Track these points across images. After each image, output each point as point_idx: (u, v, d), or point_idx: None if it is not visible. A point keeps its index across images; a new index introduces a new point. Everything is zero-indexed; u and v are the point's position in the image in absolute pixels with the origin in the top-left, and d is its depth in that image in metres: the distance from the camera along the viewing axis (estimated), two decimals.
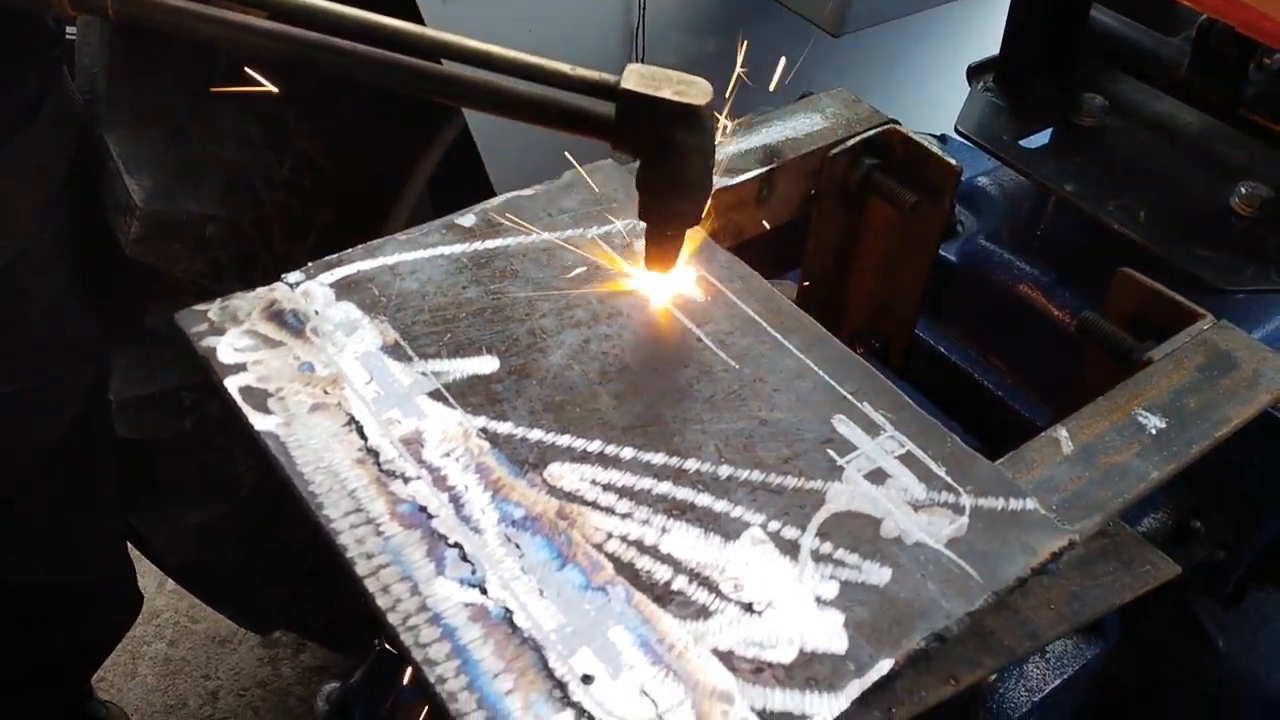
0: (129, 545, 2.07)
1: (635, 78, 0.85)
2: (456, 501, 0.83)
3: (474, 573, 0.79)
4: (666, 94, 0.84)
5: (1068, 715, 1.31)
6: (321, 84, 1.67)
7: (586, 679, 0.74)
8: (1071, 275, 1.24)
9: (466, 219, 1.06)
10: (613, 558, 0.81)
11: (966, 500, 0.87)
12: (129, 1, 0.83)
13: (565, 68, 0.85)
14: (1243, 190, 1.19)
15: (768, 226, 1.26)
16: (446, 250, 1.03)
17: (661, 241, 0.95)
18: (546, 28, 1.61)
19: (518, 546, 0.81)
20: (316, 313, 0.96)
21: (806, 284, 1.36)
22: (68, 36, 1.57)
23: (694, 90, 0.85)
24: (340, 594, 2.37)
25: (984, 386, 1.30)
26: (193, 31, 0.84)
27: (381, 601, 0.77)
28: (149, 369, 1.80)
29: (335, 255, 1.01)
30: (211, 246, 1.71)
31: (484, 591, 0.78)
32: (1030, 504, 0.87)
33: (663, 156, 0.87)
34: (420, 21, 1.50)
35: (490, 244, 1.04)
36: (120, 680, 2.72)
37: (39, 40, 1.37)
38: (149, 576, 2.26)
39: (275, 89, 1.08)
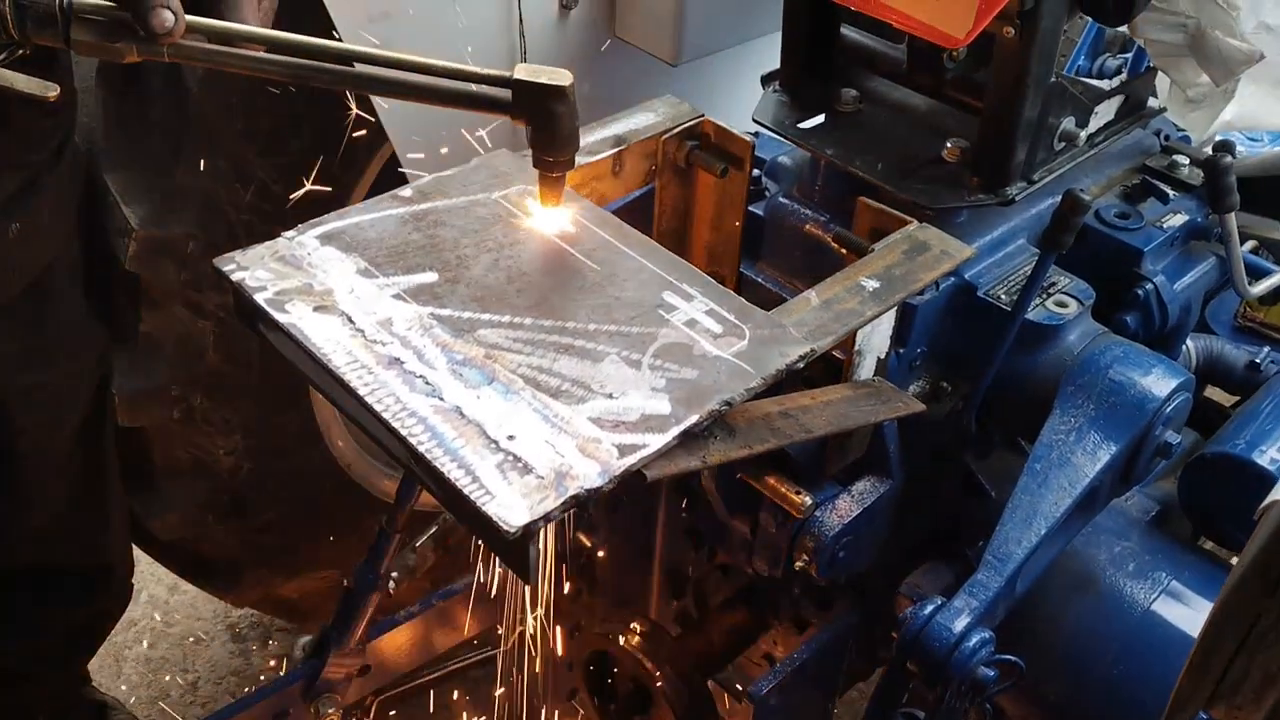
0: None
1: (522, 71, 1.33)
2: (419, 354, 1.28)
3: (434, 391, 1.24)
4: (543, 80, 1.32)
5: (871, 540, 1.77)
6: (275, 126, 2.12)
7: (510, 437, 1.19)
8: (839, 214, 1.74)
9: (406, 191, 1.52)
10: (522, 376, 1.27)
11: (748, 331, 1.34)
12: (180, 50, 1.28)
13: (479, 69, 1.32)
14: (949, 144, 1.71)
15: (624, 194, 1.74)
16: (394, 211, 1.48)
17: (549, 182, 1.42)
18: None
19: (461, 376, 1.26)
20: (309, 253, 1.41)
21: (658, 239, 1.84)
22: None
23: (560, 76, 1.33)
24: (303, 567, 2.77)
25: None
26: (223, 65, 1.29)
27: (379, 408, 1.21)
28: (144, 367, 2.20)
29: (317, 219, 1.46)
30: (193, 261, 2.13)
31: (441, 399, 1.23)
32: (787, 331, 1.35)
33: (544, 121, 1.35)
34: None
35: (424, 206, 1.50)
36: (108, 680, 3.03)
37: (64, 100, 1.80)
38: None
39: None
